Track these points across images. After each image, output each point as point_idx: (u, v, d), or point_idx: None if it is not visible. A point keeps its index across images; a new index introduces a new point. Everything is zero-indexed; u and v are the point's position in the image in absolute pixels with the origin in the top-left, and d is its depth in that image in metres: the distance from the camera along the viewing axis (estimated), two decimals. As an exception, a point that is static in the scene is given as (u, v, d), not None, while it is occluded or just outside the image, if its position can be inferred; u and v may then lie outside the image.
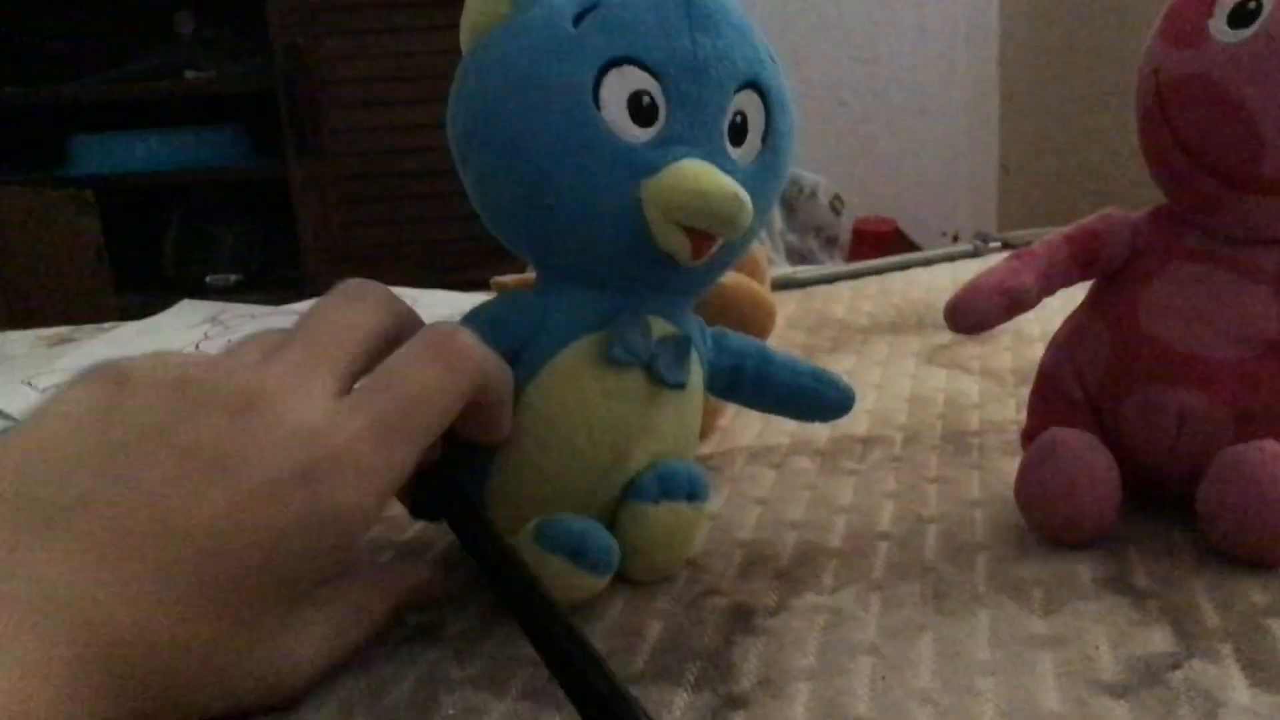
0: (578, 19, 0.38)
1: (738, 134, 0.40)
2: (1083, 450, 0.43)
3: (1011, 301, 0.45)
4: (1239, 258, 0.42)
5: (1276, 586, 0.39)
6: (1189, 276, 0.43)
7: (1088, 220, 0.46)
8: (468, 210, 0.41)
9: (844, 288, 0.89)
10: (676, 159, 0.37)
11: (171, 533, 0.29)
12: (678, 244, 0.38)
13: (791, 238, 1.92)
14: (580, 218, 0.38)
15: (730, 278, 0.58)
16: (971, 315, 0.45)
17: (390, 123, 1.70)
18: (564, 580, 0.38)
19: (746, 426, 0.58)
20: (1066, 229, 0.46)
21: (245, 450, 0.31)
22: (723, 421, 0.59)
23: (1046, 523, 0.44)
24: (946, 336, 0.73)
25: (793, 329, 0.78)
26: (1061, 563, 0.42)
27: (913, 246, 1.93)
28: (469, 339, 0.37)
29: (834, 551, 0.44)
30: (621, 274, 0.39)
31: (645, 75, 0.37)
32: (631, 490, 0.41)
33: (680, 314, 0.42)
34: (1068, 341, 0.47)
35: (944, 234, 1.98)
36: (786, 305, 0.84)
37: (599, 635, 0.39)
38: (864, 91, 2.09)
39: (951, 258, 0.98)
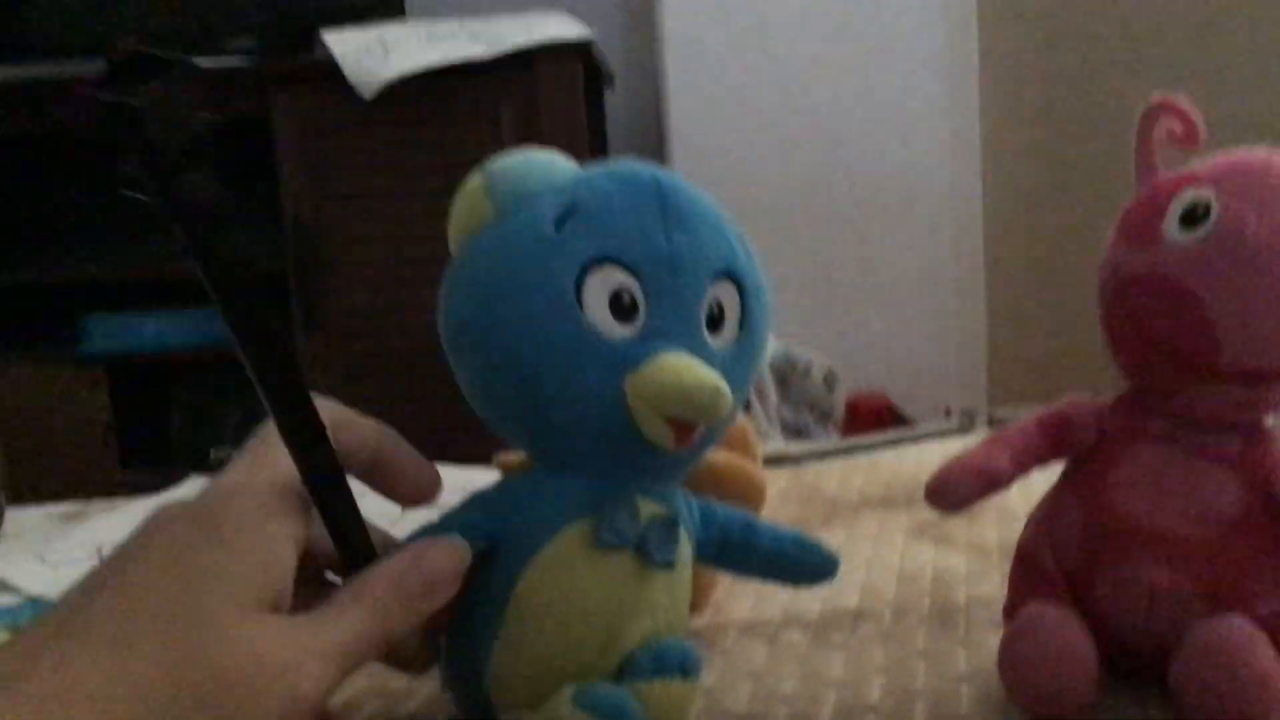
0: (559, 223, 0.40)
1: (715, 322, 0.42)
2: (1060, 627, 0.45)
3: (988, 483, 0.47)
4: (1200, 442, 0.45)
5: (1251, 758, 0.41)
6: (1154, 458, 0.45)
7: (1058, 405, 0.48)
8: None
9: (835, 464, 0.91)
10: (657, 352, 0.40)
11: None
12: (662, 434, 0.40)
13: (786, 413, 1.95)
14: (569, 413, 0.40)
15: (722, 457, 0.60)
16: (951, 496, 0.47)
17: (398, 301, 1.75)
18: None
19: (739, 600, 0.60)
20: (1038, 412, 0.49)
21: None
22: (716, 595, 0.60)
23: (1029, 697, 0.45)
24: (934, 513, 0.75)
25: (785, 504, 0.80)
26: (1044, 735, 0.43)
27: (905, 421, 1.95)
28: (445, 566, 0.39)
29: (824, 725, 0.46)
30: (609, 461, 0.41)
31: (624, 274, 0.40)
32: (626, 668, 0.42)
33: (667, 493, 0.44)
34: (1044, 519, 0.49)
35: (936, 407, 2.01)
36: (778, 480, 0.86)
37: (595, 806, 0.40)
38: (853, 269, 2.15)
39: (940, 434, 1.00)
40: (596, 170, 0.42)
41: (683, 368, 0.39)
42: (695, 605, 0.58)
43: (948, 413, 1.18)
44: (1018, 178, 2.26)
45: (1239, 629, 0.42)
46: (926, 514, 0.75)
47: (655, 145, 2.14)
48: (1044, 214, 2.24)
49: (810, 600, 0.60)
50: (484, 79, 1.70)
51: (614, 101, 2.16)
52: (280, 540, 0.36)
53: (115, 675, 0.31)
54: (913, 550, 0.68)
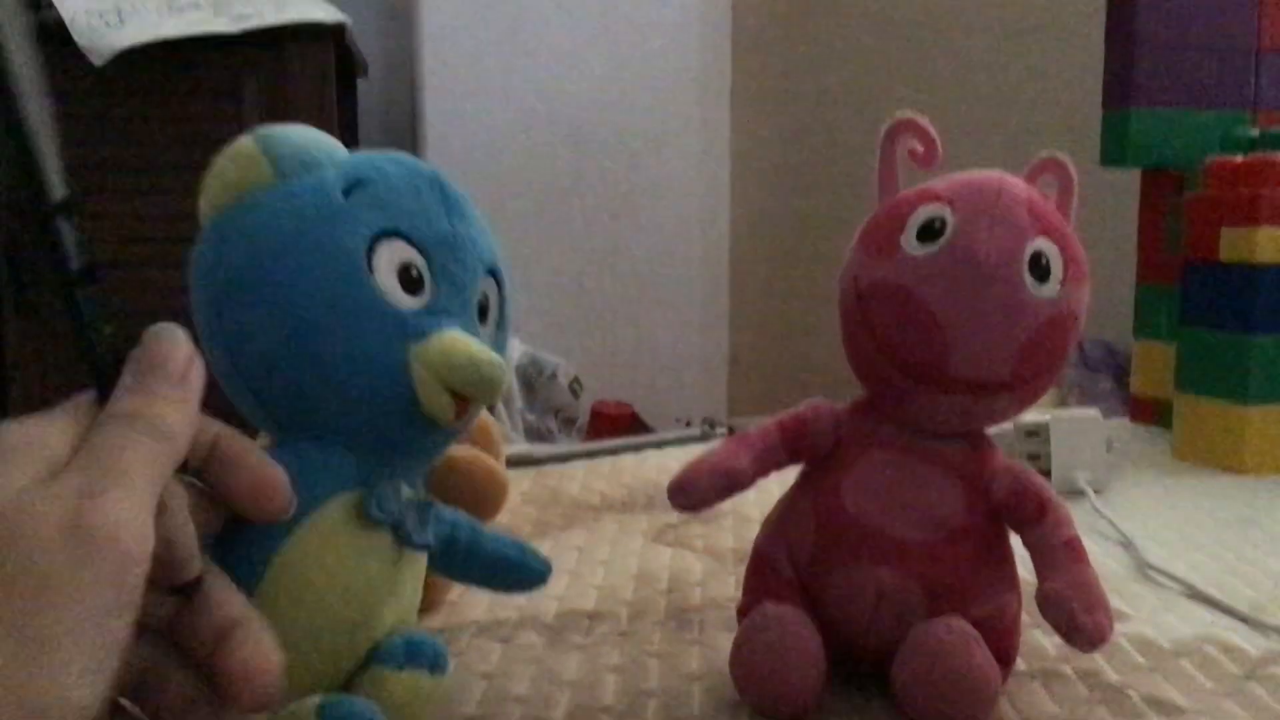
0: (347, 192, 0.40)
1: (482, 313, 0.42)
2: (790, 626, 0.45)
3: (729, 481, 0.48)
4: (928, 449, 0.47)
5: (963, 754, 0.42)
6: (885, 464, 0.47)
7: (797, 409, 0.49)
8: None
9: (578, 467, 0.91)
10: (442, 327, 0.40)
11: None
12: (443, 406, 0.39)
13: (531, 417, 1.94)
14: (350, 374, 0.39)
15: (466, 453, 0.59)
16: (692, 494, 0.47)
17: (124, 282, 1.64)
18: None
19: (476, 601, 0.59)
20: (779, 416, 0.50)
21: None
22: (451, 595, 0.59)
23: (757, 696, 0.46)
24: (674, 516, 0.76)
25: (527, 505, 0.79)
26: (772, 734, 0.44)
27: (648, 430, 1.98)
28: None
29: (557, 726, 0.45)
30: (380, 434, 0.40)
31: (412, 249, 0.40)
32: (377, 655, 0.41)
33: (418, 480, 0.43)
34: (779, 521, 0.50)
35: (677, 420, 2.05)
36: (521, 482, 0.85)
37: (313, 814, 0.37)
38: (604, 280, 2.17)
39: (681, 441, 1.02)
40: (373, 153, 0.43)
41: (471, 342, 0.39)
42: (430, 605, 0.57)
43: (688, 424, 1.21)
44: (762, 197, 2.34)
45: (958, 629, 0.44)
46: (666, 518, 0.75)
47: (408, 139, 2.10)
48: (785, 234, 2.32)
49: (547, 601, 0.59)
50: (228, 56, 1.61)
51: (367, 91, 2.11)
52: None
53: None
54: (651, 553, 0.68)
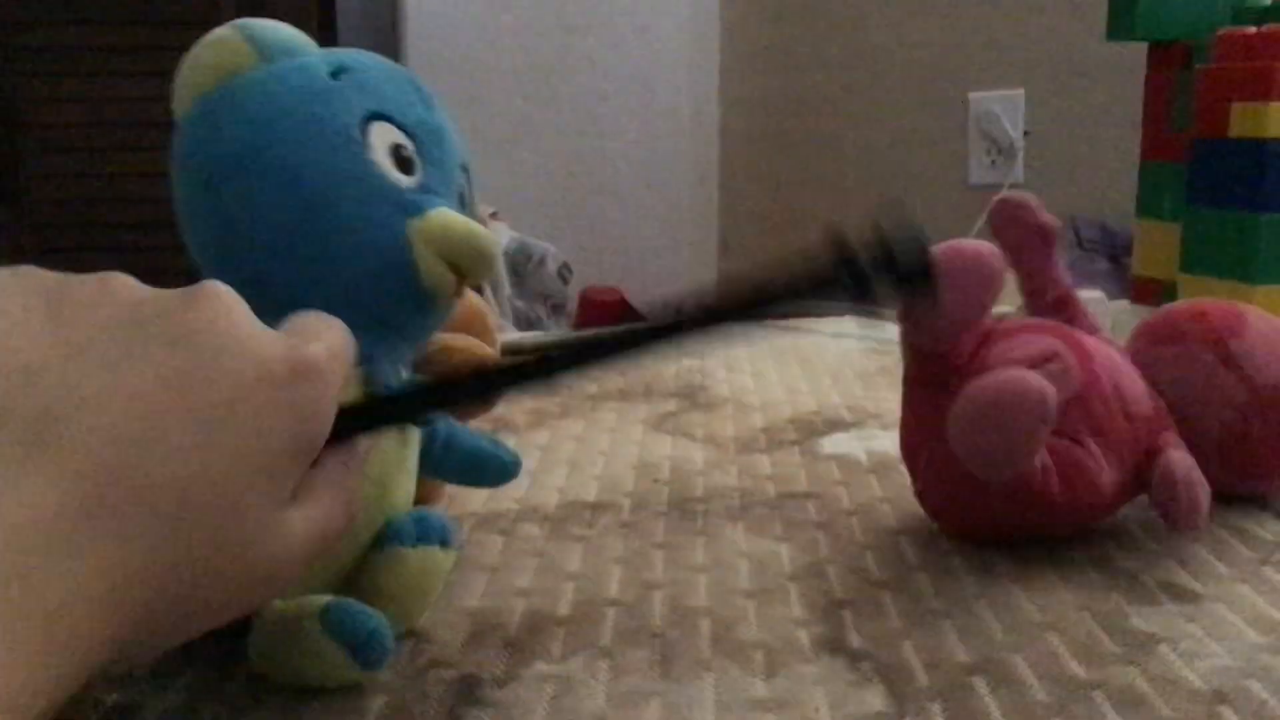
0: (333, 75, 0.40)
1: (461, 203, 0.43)
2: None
3: (1046, 234, 0.54)
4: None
5: (977, 646, 0.41)
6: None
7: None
8: (174, 265, 0.39)
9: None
10: (436, 205, 0.40)
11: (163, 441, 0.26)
12: (443, 278, 0.40)
13: (520, 304, 1.93)
14: (354, 246, 0.39)
15: (461, 340, 0.57)
16: (1022, 208, 0.54)
17: (99, 167, 1.60)
18: (332, 667, 0.37)
19: (474, 492, 0.57)
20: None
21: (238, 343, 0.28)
22: (451, 487, 0.58)
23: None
24: (673, 404, 0.74)
25: (521, 395, 0.78)
26: (781, 626, 0.43)
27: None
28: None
29: (563, 619, 0.44)
30: (380, 311, 0.40)
31: (400, 133, 0.40)
32: (389, 535, 0.41)
33: (405, 364, 0.43)
34: None
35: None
36: (515, 371, 0.83)
37: (317, 711, 0.37)
38: (592, 165, 2.13)
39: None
40: (345, 49, 0.44)
41: (467, 220, 0.41)
42: (430, 497, 0.56)
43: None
44: (753, 80, 2.29)
45: (1002, 374, 0.46)
46: (665, 406, 0.74)
47: (387, 20, 2.04)
48: (775, 116, 2.28)
49: (547, 493, 0.58)
50: (202, -67, 1.56)
51: (345, -30, 2.04)
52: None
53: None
54: (651, 442, 0.67)
